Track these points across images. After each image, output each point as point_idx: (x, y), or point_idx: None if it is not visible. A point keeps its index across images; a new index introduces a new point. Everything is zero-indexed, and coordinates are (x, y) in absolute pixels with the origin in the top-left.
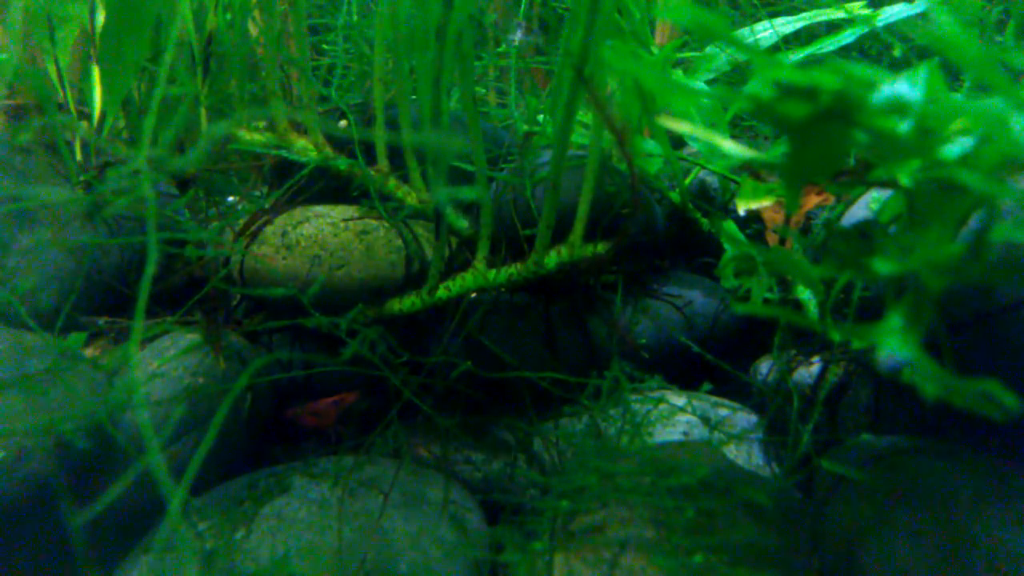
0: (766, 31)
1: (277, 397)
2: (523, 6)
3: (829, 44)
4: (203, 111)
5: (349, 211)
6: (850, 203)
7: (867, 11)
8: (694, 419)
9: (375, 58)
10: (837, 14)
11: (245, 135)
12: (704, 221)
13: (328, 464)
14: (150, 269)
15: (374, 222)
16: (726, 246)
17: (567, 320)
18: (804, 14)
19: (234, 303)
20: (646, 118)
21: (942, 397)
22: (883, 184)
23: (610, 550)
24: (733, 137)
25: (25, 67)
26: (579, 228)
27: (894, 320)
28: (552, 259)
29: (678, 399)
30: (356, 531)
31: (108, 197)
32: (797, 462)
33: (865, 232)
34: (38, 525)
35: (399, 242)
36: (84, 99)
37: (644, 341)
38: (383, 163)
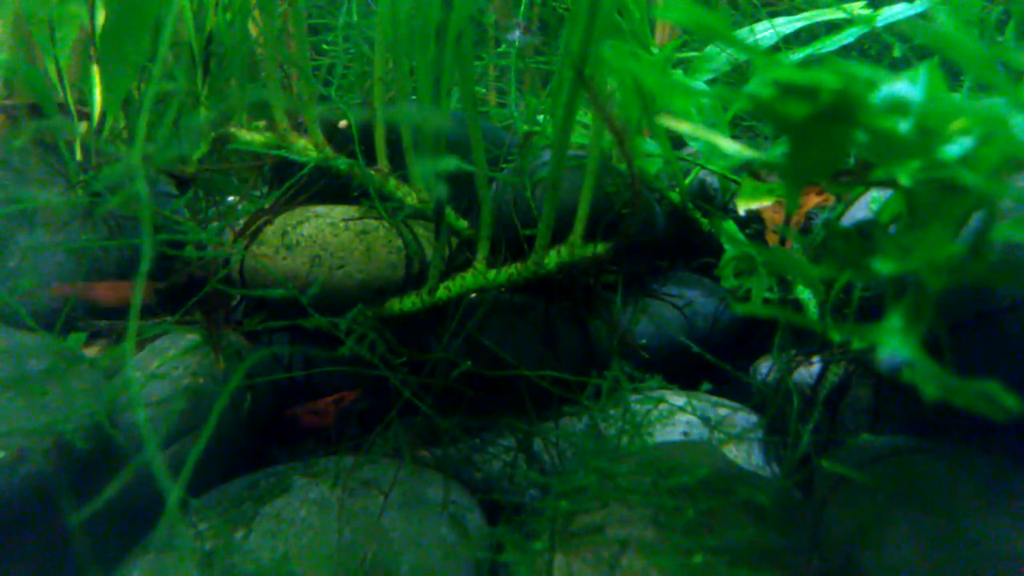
0: (766, 31)
1: (277, 397)
2: (523, 6)
3: (829, 44)
4: (203, 111)
5: (349, 211)
6: (850, 203)
7: (867, 11)
8: (694, 419)
9: (375, 58)
10: (837, 14)
11: (245, 135)
12: (704, 221)
13: (328, 464)
14: (144, 266)
15: (374, 222)
16: (726, 246)
17: (567, 320)
18: (804, 14)
19: (234, 303)
20: (646, 118)
21: (942, 397)
22: (883, 184)
23: (610, 550)
24: (733, 137)
25: (24, 67)
26: (579, 228)
27: (894, 320)
28: (552, 259)
29: (678, 399)
30: (356, 531)
31: (106, 196)
32: (797, 462)
33: (865, 232)
34: (38, 525)
35: (399, 242)
36: (84, 99)
37: (644, 341)
38: (383, 163)
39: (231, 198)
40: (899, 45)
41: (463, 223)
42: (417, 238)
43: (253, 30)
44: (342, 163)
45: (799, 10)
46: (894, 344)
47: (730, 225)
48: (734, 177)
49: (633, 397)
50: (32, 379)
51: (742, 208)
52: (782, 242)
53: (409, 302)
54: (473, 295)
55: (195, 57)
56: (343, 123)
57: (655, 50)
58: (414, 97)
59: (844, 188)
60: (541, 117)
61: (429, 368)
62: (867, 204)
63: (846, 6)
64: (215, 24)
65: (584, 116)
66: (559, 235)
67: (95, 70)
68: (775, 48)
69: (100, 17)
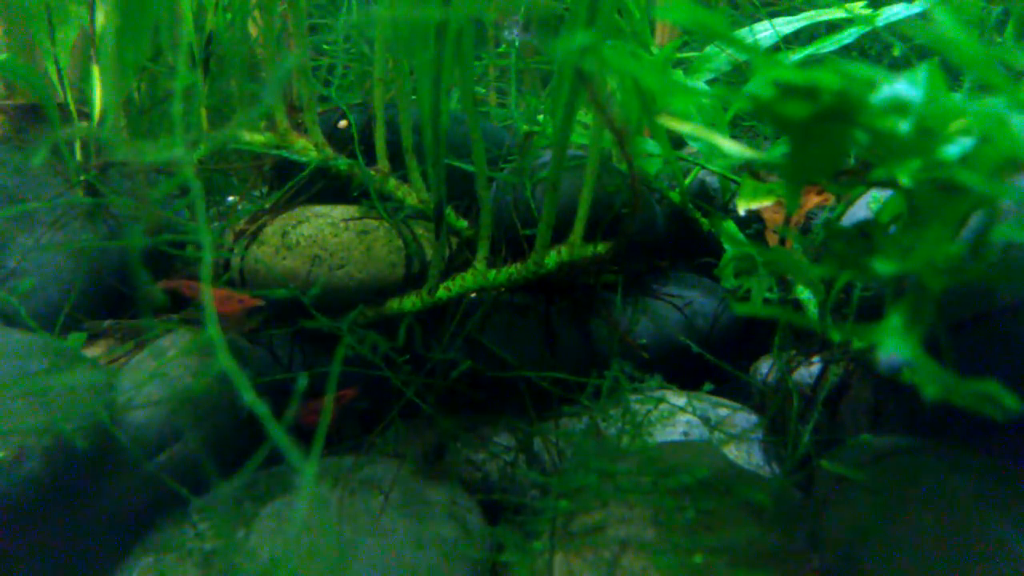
0: (766, 31)
1: (277, 397)
2: (523, 6)
3: (829, 44)
4: (203, 111)
5: (349, 211)
6: (850, 203)
7: (867, 11)
8: (694, 419)
9: (375, 58)
10: (837, 14)
11: (245, 135)
12: (704, 221)
13: (328, 464)
14: (207, 255)
15: (374, 222)
16: (726, 246)
17: (567, 320)
18: (804, 14)
19: None
20: (646, 118)
21: (942, 397)
22: (883, 184)
23: (610, 550)
24: (733, 137)
25: (25, 67)
26: (579, 228)
27: (894, 320)
28: (552, 259)
29: (678, 399)
30: (356, 531)
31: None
32: (797, 462)
33: (865, 232)
34: (38, 525)
35: (399, 242)
36: (84, 99)
37: (644, 341)
38: (383, 163)
39: (231, 198)
40: (899, 45)
41: (463, 223)
42: (417, 238)
43: (253, 30)
44: (342, 163)
45: (799, 10)
46: (894, 344)
47: (730, 225)
48: (734, 177)
49: (633, 397)
50: (32, 379)
51: (742, 208)
52: (782, 242)
53: (409, 302)
54: (473, 295)
55: (195, 57)
56: (343, 123)
57: (655, 50)
58: (414, 97)
59: (844, 188)
60: (541, 117)
61: (429, 368)
62: (867, 204)
63: (846, 6)
64: (215, 24)
65: (584, 116)
66: (559, 235)
67: (95, 70)
68: (775, 48)
69: (100, 17)
